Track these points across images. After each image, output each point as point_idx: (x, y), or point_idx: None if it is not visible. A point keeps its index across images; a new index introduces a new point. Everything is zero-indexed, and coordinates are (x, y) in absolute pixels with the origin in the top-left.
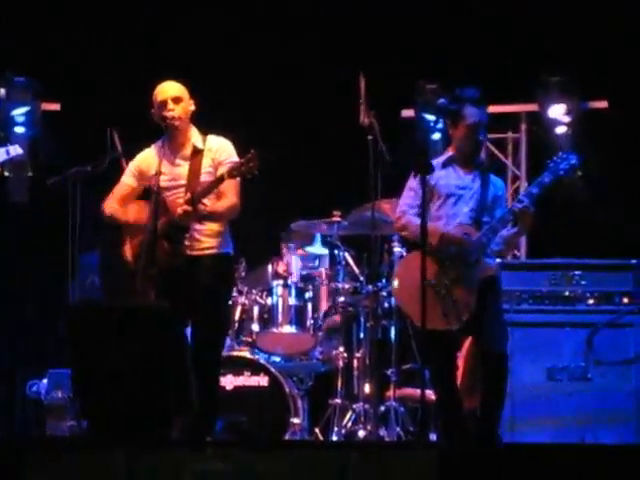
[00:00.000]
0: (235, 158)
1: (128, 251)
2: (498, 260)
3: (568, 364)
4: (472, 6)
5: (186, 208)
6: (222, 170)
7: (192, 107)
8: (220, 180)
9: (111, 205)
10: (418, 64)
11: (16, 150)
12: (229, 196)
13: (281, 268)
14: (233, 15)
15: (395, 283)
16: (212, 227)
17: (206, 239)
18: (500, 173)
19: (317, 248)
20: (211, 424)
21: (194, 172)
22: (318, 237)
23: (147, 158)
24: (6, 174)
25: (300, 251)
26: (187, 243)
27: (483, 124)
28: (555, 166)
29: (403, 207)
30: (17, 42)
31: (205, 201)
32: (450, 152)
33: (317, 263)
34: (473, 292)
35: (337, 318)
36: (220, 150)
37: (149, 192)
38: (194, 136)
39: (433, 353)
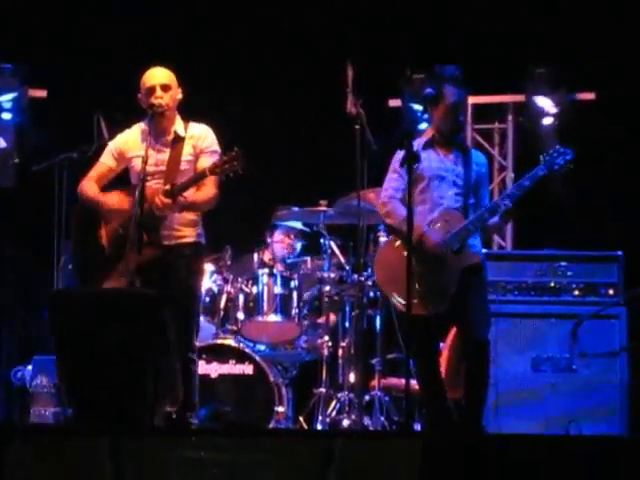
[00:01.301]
0: (216, 146)
1: (104, 237)
2: (484, 250)
3: (553, 355)
4: None
5: (165, 200)
6: (203, 163)
7: (179, 95)
8: (202, 175)
9: (90, 186)
10: (405, 53)
11: None
12: (209, 186)
13: (267, 257)
14: (220, 3)
15: (375, 268)
16: (188, 216)
17: (182, 228)
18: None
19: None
20: (193, 410)
21: (174, 160)
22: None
23: (128, 140)
24: None
25: (286, 239)
26: (165, 233)
27: (462, 104)
28: (551, 160)
29: (389, 191)
30: (3, 29)
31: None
32: (430, 133)
33: (299, 246)
34: (453, 279)
35: (332, 317)
36: (202, 138)
37: (127, 178)
38: (177, 123)
39: (415, 338)
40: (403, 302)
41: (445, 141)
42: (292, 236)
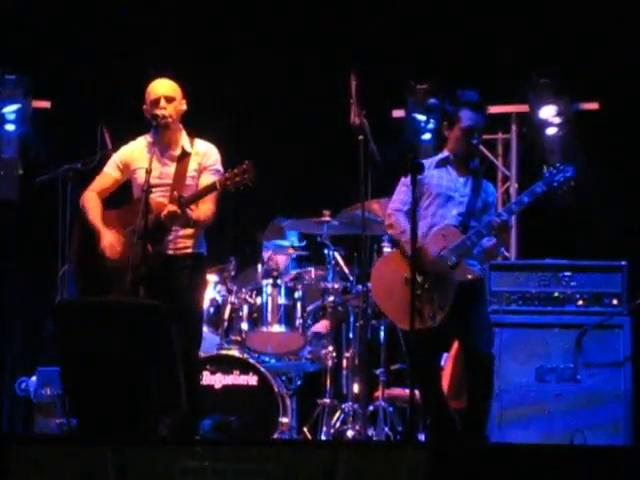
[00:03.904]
0: (219, 166)
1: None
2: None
3: (557, 365)
4: (464, 7)
5: (174, 210)
6: (205, 180)
7: (184, 107)
8: (212, 188)
9: (93, 202)
10: (409, 64)
11: None
12: (208, 203)
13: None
14: (223, 12)
15: (372, 283)
16: (190, 230)
17: (184, 240)
18: (490, 174)
19: (289, 241)
20: (197, 421)
21: (180, 175)
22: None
23: (133, 151)
24: None
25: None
26: (168, 244)
27: (478, 128)
28: (550, 177)
29: (396, 203)
30: (6, 40)
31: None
32: (446, 153)
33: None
34: (450, 293)
35: (325, 325)
36: (207, 155)
37: (128, 193)
38: (183, 138)
39: (416, 352)
40: (396, 322)
41: (459, 163)
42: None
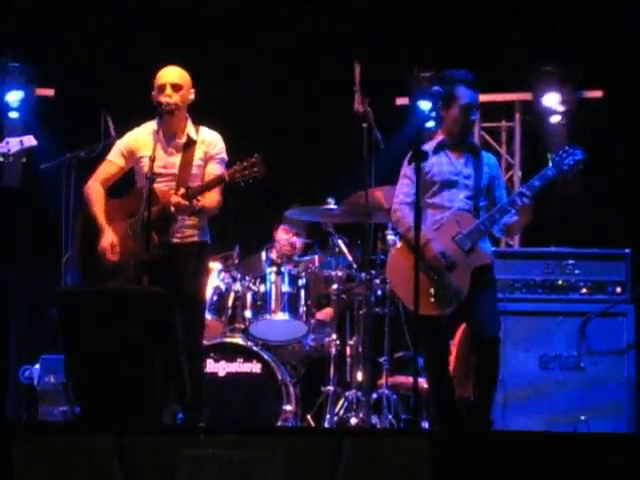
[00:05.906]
0: (225, 154)
1: None
2: (493, 248)
3: (561, 353)
4: None
5: (182, 202)
6: (211, 169)
7: (191, 96)
8: (220, 180)
9: (97, 192)
10: (413, 51)
11: (30, 141)
12: (213, 193)
13: (274, 255)
14: (224, 2)
15: (388, 270)
16: (196, 219)
17: (190, 229)
18: None
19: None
20: (201, 408)
21: (186, 164)
22: None
23: (138, 139)
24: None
25: (287, 235)
26: (173, 232)
27: (475, 105)
28: (560, 160)
29: (400, 197)
30: (10, 28)
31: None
32: (440, 137)
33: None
34: (466, 279)
35: (329, 313)
36: (213, 144)
37: (130, 183)
38: (189, 126)
39: (424, 338)
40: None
41: (456, 144)
42: (293, 234)
